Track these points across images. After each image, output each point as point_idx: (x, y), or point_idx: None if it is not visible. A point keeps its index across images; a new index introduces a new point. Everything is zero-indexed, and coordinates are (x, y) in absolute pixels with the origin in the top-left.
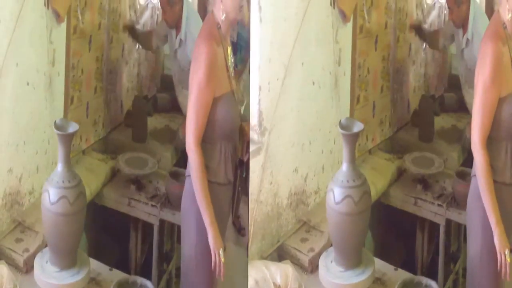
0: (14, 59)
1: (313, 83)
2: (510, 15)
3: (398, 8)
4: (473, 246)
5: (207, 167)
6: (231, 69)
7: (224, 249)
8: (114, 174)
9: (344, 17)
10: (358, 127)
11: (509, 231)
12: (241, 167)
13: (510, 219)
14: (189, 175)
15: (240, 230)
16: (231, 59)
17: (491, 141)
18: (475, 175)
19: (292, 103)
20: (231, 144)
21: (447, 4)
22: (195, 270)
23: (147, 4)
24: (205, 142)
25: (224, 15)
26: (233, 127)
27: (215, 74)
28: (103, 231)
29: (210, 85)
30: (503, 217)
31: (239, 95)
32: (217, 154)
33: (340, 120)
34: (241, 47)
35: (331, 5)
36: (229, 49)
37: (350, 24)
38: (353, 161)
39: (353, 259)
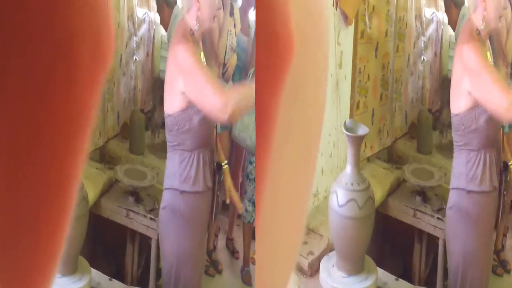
0: None
1: None
2: (483, 25)
3: (399, 17)
4: (455, 258)
5: (186, 176)
6: None
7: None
8: (111, 184)
9: (346, 19)
10: (363, 130)
11: (489, 238)
12: (219, 171)
13: (489, 226)
14: (167, 189)
15: (234, 253)
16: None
17: (470, 151)
18: (454, 189)
19: None
20: (209, 150)
21: (445, 9)
22: (175, 281)
23: (144, 18)
24: (183, 150)
25: (198, 24)
26: (210, 132)
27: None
28: (98, 242)
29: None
30: (482, 225)
31: None
32: (196, 162)
33: (345, 122)
34: (239, 57)
35: (333, 5)
36: (202, 55)
37: (352, 28)
38: (357, 164)
39: (355, 265)
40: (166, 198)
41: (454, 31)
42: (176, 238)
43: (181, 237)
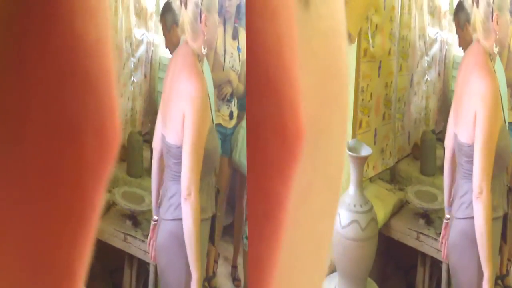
0: None
1: None
2: (497, 48)
3: (402, 36)
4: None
5: None
6: (209, 101)
7: None
8: (109, 207)
9: (349, 37)
10: (366, 150)
11: (495, 263)
12: (218, 196)
13: (496, 251)
14: (172, 220)
15: (235, 280)
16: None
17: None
18: (464, 218)
19: None
20: (213, 176)
21: (456, 30)
22: None
23: (142, 39)
24: None
25: (206, 49)
26: (216, 159)
27: (206, 110)
28: (96, 264)
29: (205, 122)
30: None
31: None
32: (206, 189)
33: (348, 142)
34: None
35: None
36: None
37: (354, 46)
38: (360, 185)
39: (358, 287)
40: (170, 229)
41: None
42: (184, 269)
43: (188, 268)
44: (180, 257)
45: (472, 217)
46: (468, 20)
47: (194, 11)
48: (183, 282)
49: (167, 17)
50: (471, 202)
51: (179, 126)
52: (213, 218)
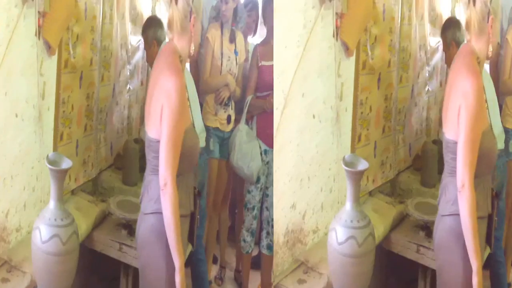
0: (3, 89)
1: (314, 116)
2: (491, 50)
3: (402, 47)
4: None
5: None
6: (189, 102)
7: None
8: (104, 217)
9: (347, 50)
10: (363, 165)
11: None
12: (199, 197)
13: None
14: (152, 213)
15: (240, 285)
16: (187, 91)
17: None
18: (450, 215)
19: (291, 135)
20: (192, 175)
21: (443, 47)
22: None
23: (138, 45)
24: None
25: (194, 48)
26: (195, 158)
27: (184, 107)
28: (92, 276)
29: (182, 118)
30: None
31: (198, 127)
32: (184, 186)
33: (344, 156)
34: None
35: (333, 36)
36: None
37: (353, 59)
38: (357, 200)
39: None
40: (151, 222)
41: None
42: (165, 263)
43: (169, 262)
44: (160, 251)
45: (458, 214)
46: (455, 39)
47: (185, 8)
48: (163, 277)
49: (149, 32)
50: (456, 199)
51: (158, 121)
52: (192, 216)
